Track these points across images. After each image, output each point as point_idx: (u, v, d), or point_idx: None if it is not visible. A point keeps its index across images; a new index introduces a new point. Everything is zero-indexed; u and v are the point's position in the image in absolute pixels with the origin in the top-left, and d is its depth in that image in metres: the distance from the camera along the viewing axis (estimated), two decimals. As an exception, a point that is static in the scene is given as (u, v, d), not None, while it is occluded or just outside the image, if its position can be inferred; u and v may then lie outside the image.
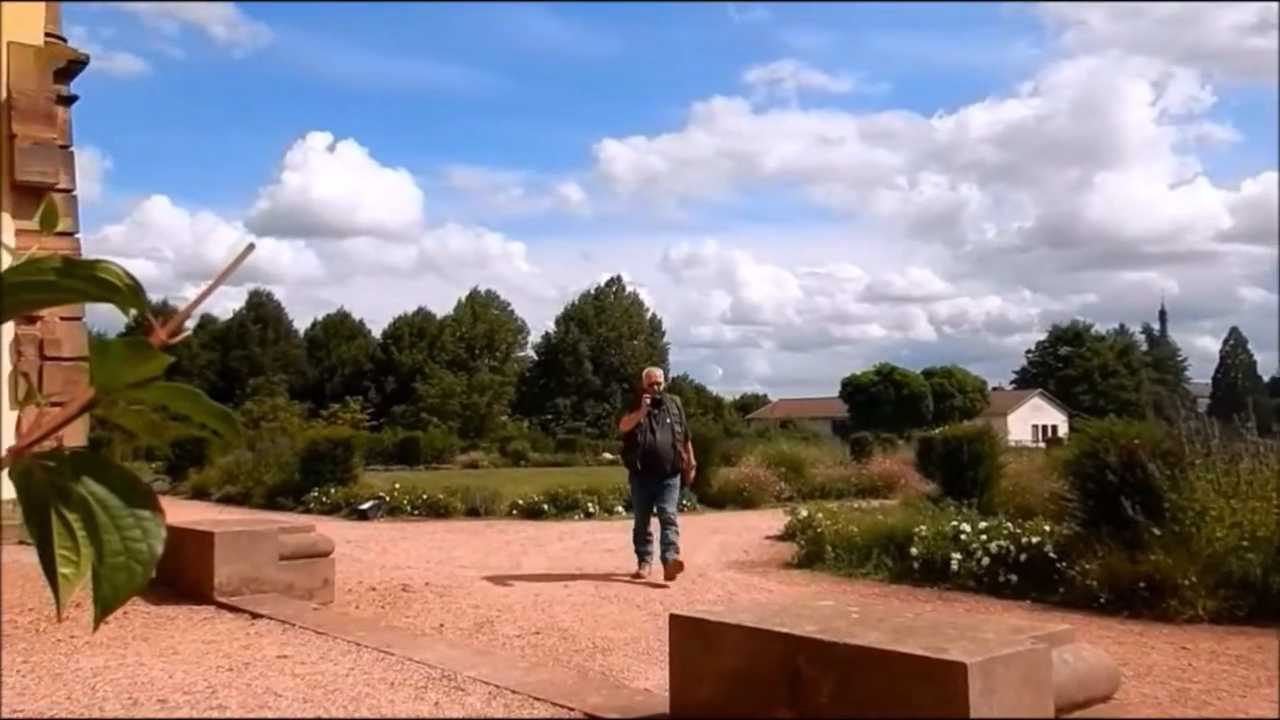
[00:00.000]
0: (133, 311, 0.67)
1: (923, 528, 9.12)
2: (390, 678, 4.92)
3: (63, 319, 10.88)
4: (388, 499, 16.06)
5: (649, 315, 77.60)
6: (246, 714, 4.38)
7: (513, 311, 75.44)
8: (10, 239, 9.77)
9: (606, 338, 72.68)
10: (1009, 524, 8.76)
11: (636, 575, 9.04)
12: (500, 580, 8.99)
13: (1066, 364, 76.29)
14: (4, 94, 10.73)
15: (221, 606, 6.78)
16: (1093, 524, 7.87)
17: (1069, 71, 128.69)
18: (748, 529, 13.23)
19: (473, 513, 15.86)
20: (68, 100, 11.50)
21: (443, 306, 76.44)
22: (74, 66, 11.50)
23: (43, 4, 11.27)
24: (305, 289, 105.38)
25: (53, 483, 0.66)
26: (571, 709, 4.33)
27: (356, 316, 73.41)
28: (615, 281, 77.47)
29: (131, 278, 0.65)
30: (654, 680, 5.14)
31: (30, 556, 7.25)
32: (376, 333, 71.49)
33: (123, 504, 0.66)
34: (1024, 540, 8.21)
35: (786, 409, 76.59)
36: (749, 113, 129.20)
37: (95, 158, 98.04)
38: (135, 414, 0.69)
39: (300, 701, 4.53)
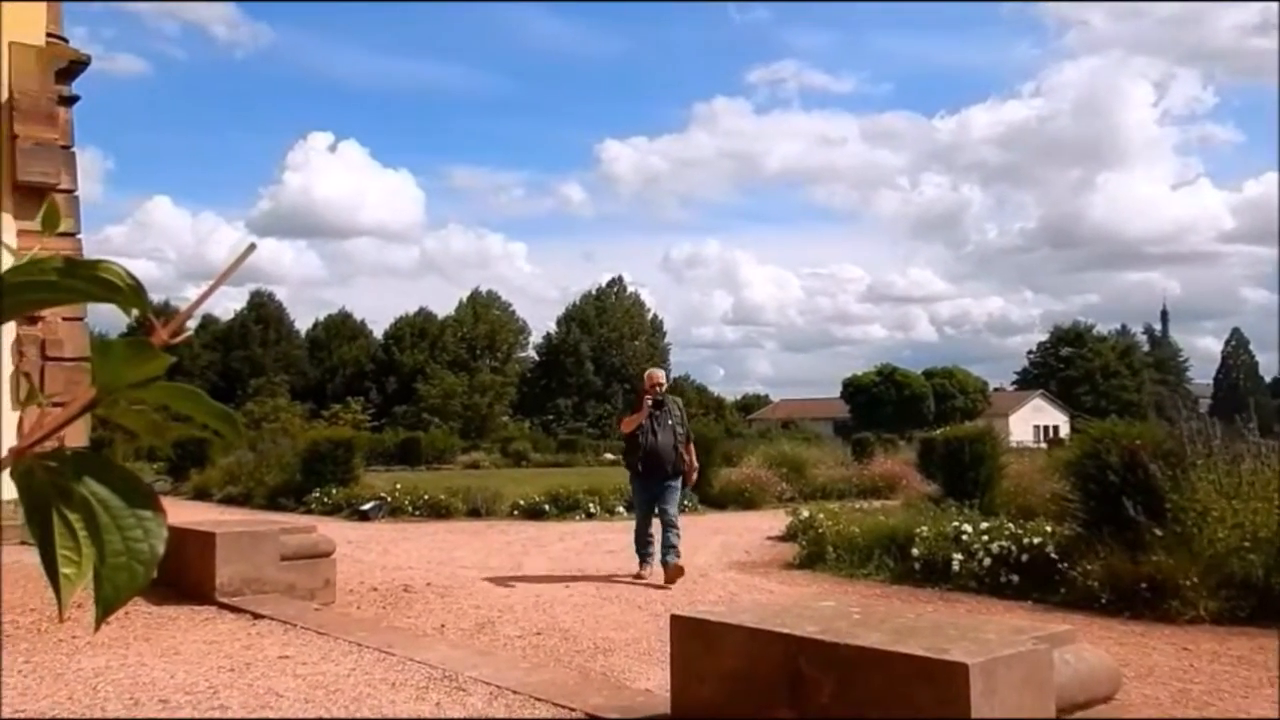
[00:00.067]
0: (134, 312, 0.67)
1: (924, 528, 9.12)
2: (392, 678, 4.92)
3: (64, 319, 10.88)
4: (389, 499, 16.07)
5: (650, 316, 77.69)
6: (248, 714, 4.38)
7: (514, 312, 75.56)
8: (12, 239, 9.78)
9: (608, 338, 72.70)
10: (1010, 525, 8.76)
11: (638, 576, 9.04)
12: (501, 581, 8.99)
13: (1068, 365, 76.27)
14: (6, 94, 10.73)
15: (223, 607, 6.79)
16: (1094, 525, 7.87)
17: (1071, 72, 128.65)
18: (749, 529, 13.23)
19: (474, 513, 15.87)
20: (69, 100, 11.51)
21: (444, 307, 76.48)
22: (75, 67, 11.50)
23: (44, 4, 11.28)
24: (307, 289, 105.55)
25: (54, 483, 0.66)
26: (573, 709, 4.33)
27: (358, 317, 73.58)
28: (617, 282, 77.59)
29: (133, 278, 0.65)
30: (655, 681, 5.14)
31: (32, 557, 7.25)
32: (378, 333, 71.63)
33: (124, 504, 0.66)
34: (1025, 541, 8.21)
35: (788, 409, 76.60)
36: (751, 113, 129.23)
37: (97, 158, 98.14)
38: (137, 414, 0.69)
39: (302, 702, 4.54)
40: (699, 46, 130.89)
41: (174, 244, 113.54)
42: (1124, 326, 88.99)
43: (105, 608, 0.66)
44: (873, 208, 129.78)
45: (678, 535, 8.81)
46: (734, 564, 10.30)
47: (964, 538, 8.63)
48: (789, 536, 11.56)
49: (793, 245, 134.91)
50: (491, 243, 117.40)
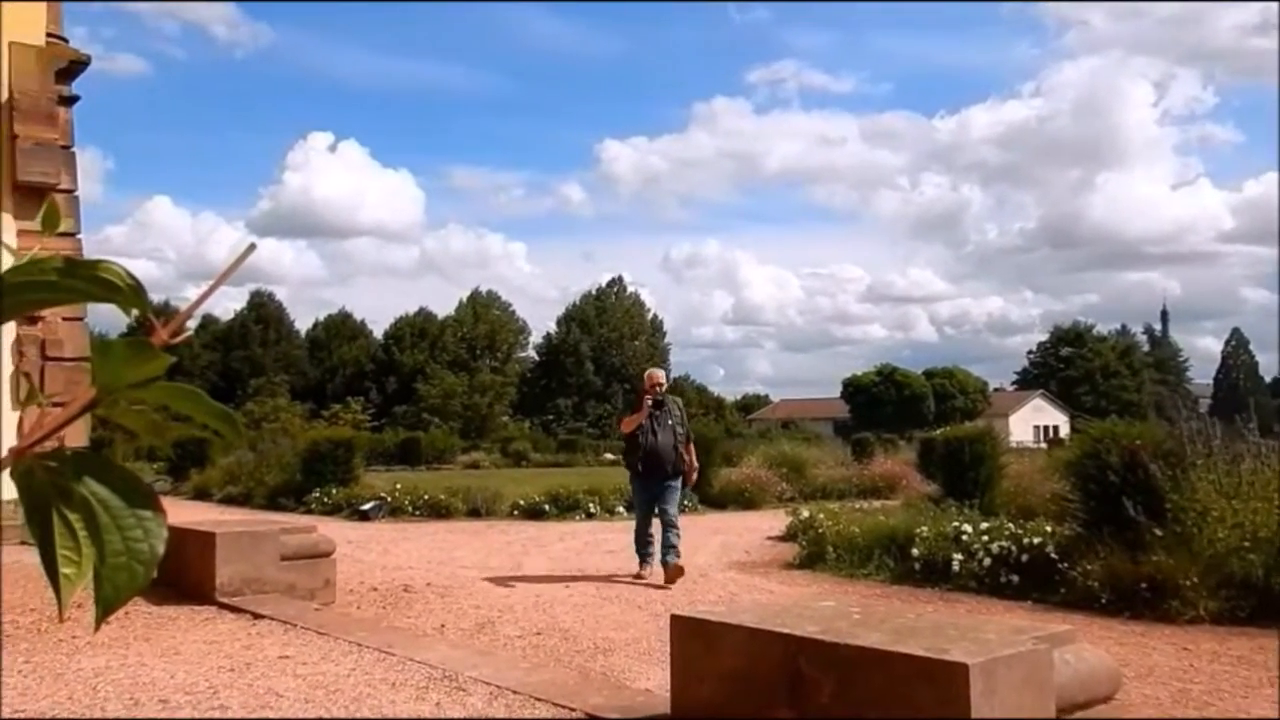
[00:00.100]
0: (134, 312, 0.67)
1: (924, 528, 9.12)
2: (392, 678, 4.92)
3: (64, 319, 10.88)
4: (389, 499, 16.07)
5: (650, 316, 77.67)
6: (248, 714, 4.38)
7: (514, 312, 75.56)
8: (12, 240, 9.78)
9: (608, 338, 72.70)
10: (1010, 525, 8.76)
11: (638, 576, 9.04)
12: (501, 581, 8.99)
13: (1068, 365, 76.26)
14: (6, 94, 10.74)
15: (223, 607, 6.79)
16: (1094, 525, 7.87)
17: (1070, 72, 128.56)
18: (749, 529, 13.23)
19: (474, 513, 15.87)
20: (69, 101, 11.51)
21: (444, 307, 76.49)
22: (75, 67, 11.50)
23: (44, 4, 11.28)
24: (307, 289, 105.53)
25: (54, 483, 0.66)
26: (573, 709, 4.33)
27: (358, 317, 73.58)
28: (616, 282, 77.58)
29: (133, 278, 0.65)
30: (655, 681, 5.15)
31: (32, 557, 7.25)
32: (378, 333, 71.63)
33: (124, 504, 0.66)
34: (1025, 541, 8.21)
35: (788, 409, 76.60)
36: (750, 113, 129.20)
37: (97, 158, 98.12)
38: (137, 414, 0.69)
39: (302, 702, 4.54)
40: (699, 46, 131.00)
41: (174, 244, 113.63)
42: (1124, 326, 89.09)
43: (105, 608, 0.66)
44: (872, 208, 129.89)
45: (677, 535, 8.81)
46: (734, 564, 10.31)
47: (964, 538, 8.63)
48: (789, 536, 11.56)
49: (792, 245, 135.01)
50: (491, 243, 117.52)
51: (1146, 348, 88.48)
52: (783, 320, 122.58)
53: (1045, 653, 3.43)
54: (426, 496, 16.11)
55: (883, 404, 64.32)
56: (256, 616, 6.48)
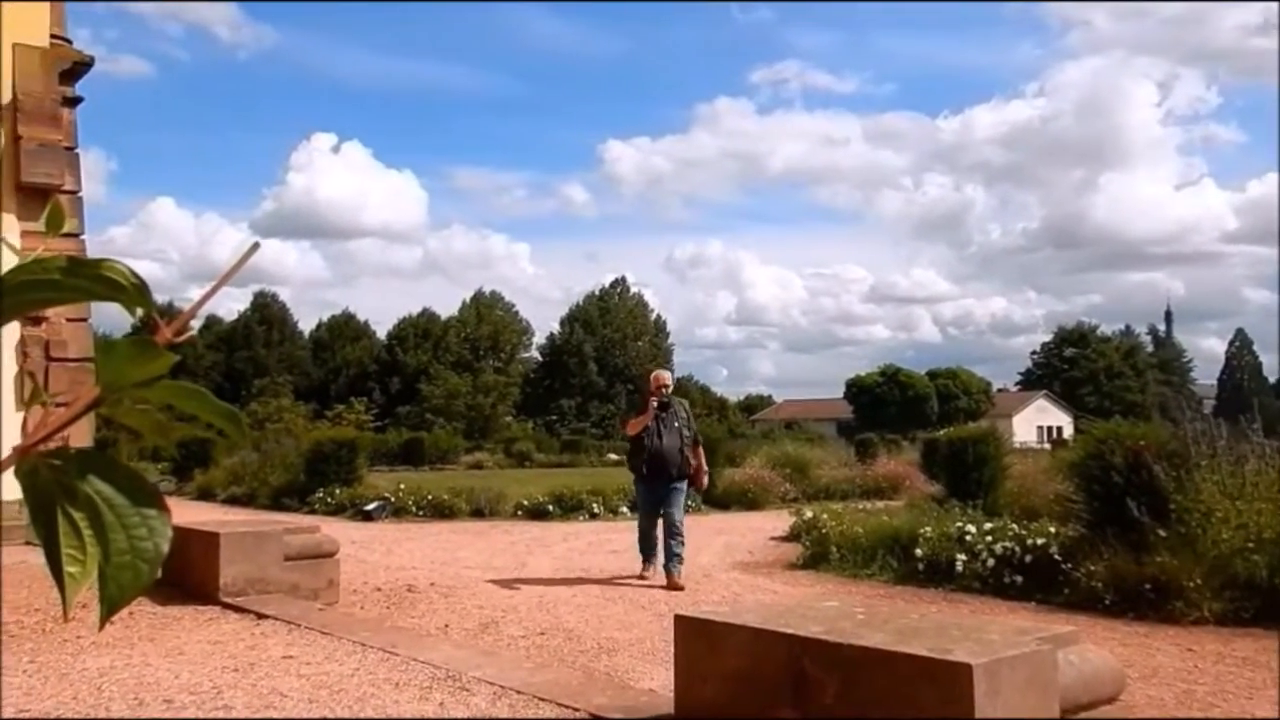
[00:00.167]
0: (139, 311, 0.67)
1: (928, 529, 9.11)
2: (395, 678, 4.93)
3: (68, 320, 10.90)
4: (393, 500, 16.08)
5: (653, 316, 77.62)
6: (252, 714, 4.39)
7: (517, 312, 75.58)
8: (16, 240, 9.79)
9: (611, 339, 72.69)
10: (1014, 525, 8.76)
11: (641, 576, 9.01)
12: (505, 581, 8.99)
13: (1072, 365, 76.18)
14: (10, 95, 10.76)
15: (227, 607, 6.79)
16: (1098, 525, 7.86)
17: (1074, 72, 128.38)
18: (752, 530, 13.22)
19: (477, 513, 15.88)
20: (73, 102, 11.53)
21: (447, 307, 76.39)
22: (79, 68, 11.52)
23: (48, 6, 11.30)
24: (310, 290, 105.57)
25: (59, 481, 0.66)
26: (576, 709, 4.33)
27: (361, 318, 73.62)
28: (620, 282, 77.56)
29: (137, 276, 0.65)
30: (659, 681, 5.15)
31: (37, 557, 7.27)
32: (381, 334, 71.71)
33: (129, 503, 0.66)
34: (1029, 542, 8.20)
35: (791, 410, 76.56)
36: (753, 113, 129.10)
37: (100, 159, 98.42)
38: (141, 413, 0.69)
39: (305, 702, 4.54)
40: (702, 47, 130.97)
41: (177, 245, 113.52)
42: (1128, 327, 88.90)
43: (110, 606, 0.66)
44: (876, 208, 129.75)
45: (681, 544, 8.69)
46: (737, 564, 10.30)
47: (968, 538, 8.62)
48: (792, 537, 11.55)
49: (796, 246, 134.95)
50: (495, 243, 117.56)
51: (1150, 348, 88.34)
52: (786, 321, 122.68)
53: (1049, 653, 3.43)
54: (430, 497, 16.12)
55: (886, 405, 64.27)
56: (260, 616, 6.48)
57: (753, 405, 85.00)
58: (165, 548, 0.67)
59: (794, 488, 17.87)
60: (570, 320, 74.48)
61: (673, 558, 8.63)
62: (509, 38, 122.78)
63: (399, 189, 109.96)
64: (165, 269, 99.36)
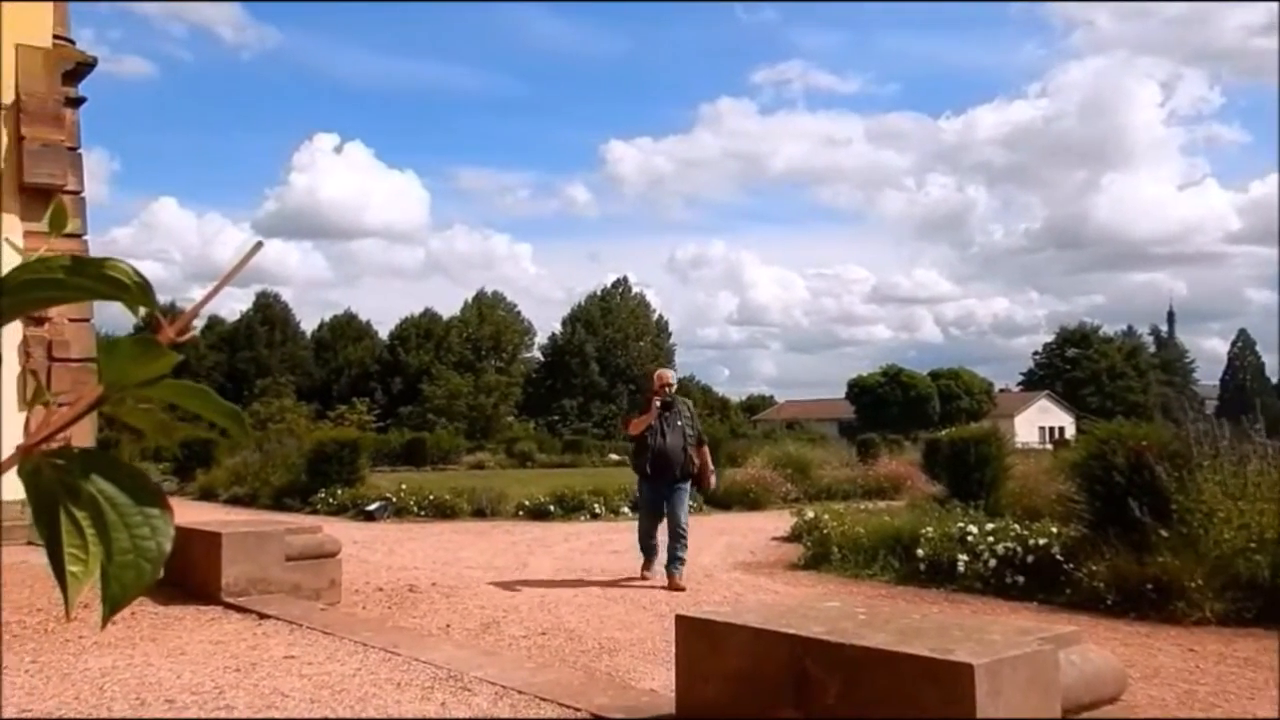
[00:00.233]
0: (141, 310, 0.67)
1: (929, 529, 9.11)
2: (397, 678, 4.93)
3: (71, 320, 10.92)
4: (394, 500, 16.09)
5: (655, 316, 77.60)
6: (254, 714, 4.39)
7: (519, 312, 75.60)
8: (19, 240, 9.80)
9: (613, 339, 72.69)
10: (1016, 526, 8.75)
11: (642, 576, 9.01)
12: (506, 581, 8.99)
13: (1074, 366, 76.13)
14: (13, 96, 10.77)
15: (229, 607, 6.80)
16: (1100, 526, 7.86)
17: (1077, 72, 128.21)
18: (754, 530, 13.22)
19: (479, 514, 15.89)
20: (76, 102, 11.54)
21: (449, 308, 76.43)
22: (82, 68, 11.54)
23: (51, 6, 11.31)
24: (312, 290, 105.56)
25: (62, 480, 0.66)
26: (578, 709, 4.33)
27: (363, 318, 73.65)
28: (622, 282, 77.55)
29: (140, 275, 0.66)
30: (660, 681, 5.15)
31: (39, 557, 7.27)
32: (383, 334, 71.74)
33: (131, 502, 0.67)
34: (1031, 542, 8.20)
35: (793, 410, 76.57)
36: (756, 113, 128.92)
37: (103, 159, 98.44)
38: (144, 413, 0.70)
39: (307, 702, 4.54)
40: (704, 47, 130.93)
41: (180, 245, 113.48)
42: (1130, 327, 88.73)
43: (112, 605, 0.66)
44: (878, 208, 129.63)
45: (684, 546, 8.66)
46: (739, 564, 10.30)
47: (969, 539, 8.62)
48: (794, 537, 11.55)
49: (798, 246, 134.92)
50: (497, 243, 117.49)
51: (1152, 349, 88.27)
52: (788, 321, 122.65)
53: (1050, 654, 3.43)
54: (432, 497, 16.13)
55: (888, 405, 64.23)
56: (262, 616, 6.49)
57: (754, 405, 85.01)
58: (168, 547, 0.67)
59: (795, 488, 17.86)
60: (572, 320, 74.48)
61: (675, 559, 8.61)
62: (511, 38, 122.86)
63: (401, 189, 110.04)
64: (168, 269, 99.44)
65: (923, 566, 8.79)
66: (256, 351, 66.05)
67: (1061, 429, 60.70)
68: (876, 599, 8.00)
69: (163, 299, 0.73)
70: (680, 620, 4.25)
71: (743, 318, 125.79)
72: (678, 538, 8.64)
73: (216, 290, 0.72)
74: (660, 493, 8.82)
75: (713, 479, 9.33)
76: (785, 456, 19.44)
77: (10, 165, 10.71)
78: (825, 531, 10.25)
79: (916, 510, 11.17)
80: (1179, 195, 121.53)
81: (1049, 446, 34.23)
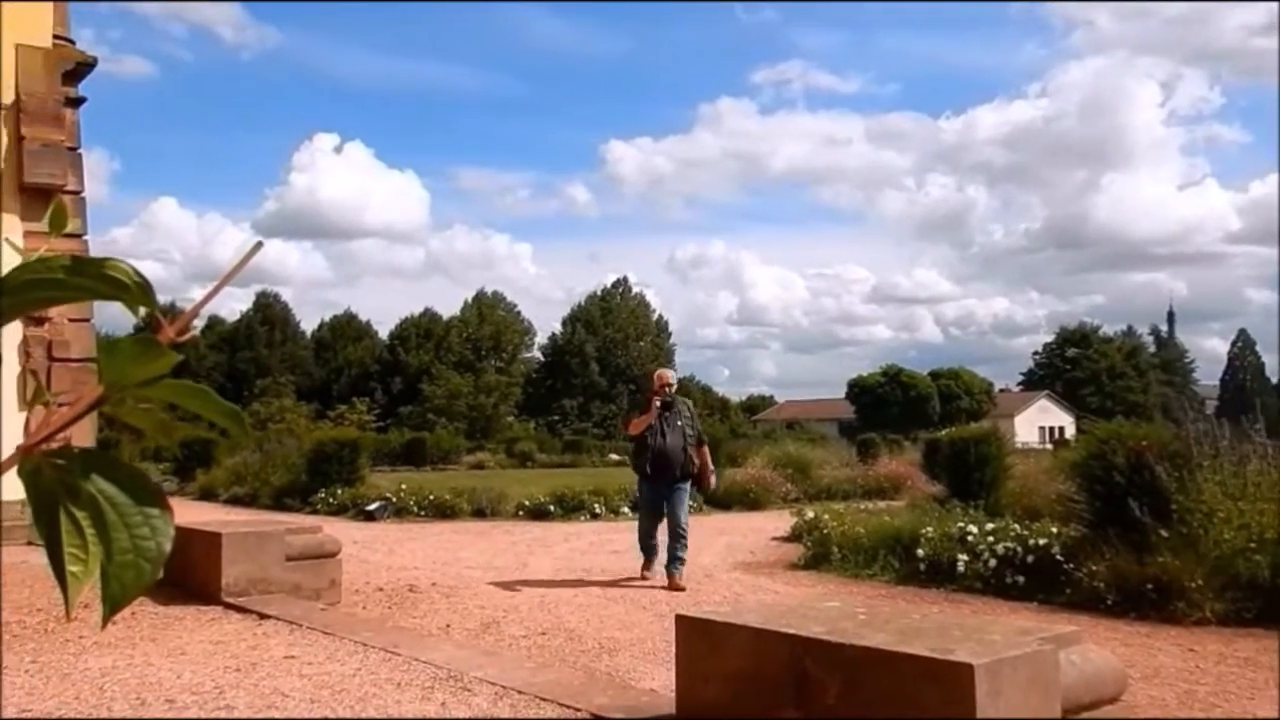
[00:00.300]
0: (142, 310, 0.67)
1: (929, 529, 9.11)
2: (397, 678, 4.93)
3: (71, 320, 10.92)
4: (394, 500, 16.09)
5: (655, 316, 77.61)
6: (254, 714, 4.39)
7: (519, 312, 75.62)
8: (19, 240, 9.80)
9: (613, 339, 72.70)
10: (1016, 526, 8.75)
11: (642, 576, 9.01)
12: (506, 581, 8.99)
13: (1074, 366, 76.12)
14: (13, 96, 10.77)
15: (229, 607, 6.80)
16: (1100, 526, 7.86)
17: (1077, 72, 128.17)
18: (754, 530, 13.22)
19: (479, 514, 15.89)
20: (76, 102, 11.54)
21: (449, 308, 76.44)
22: (82, 68, 11.53)
23: (51, 6, 11.31)
24: (312, 290, 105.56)
25: (62, 480, 0.66)
26: (578, 709, 4.33)
27: (363, 318, 73.67)
28: (622, 282, 77.56)
29: (140, 275, 0.66)
30: (660, 681, 5.14)
31: (39, 557, 7.27)
32: (383, 334, 71.76)
33: (131, 502, 0.67)
34: (1031, 542, 8.20)
35: (793, 410, 76.58)
36: (756, 114, 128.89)
37: (103, 159, 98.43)
38: (144, 413, 0.70)
39: (307, 702, 4.54)
40: (704, 47, 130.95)
41: (180, 245, 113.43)
42: (1130, 327, 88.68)
43: (112, 605, 0.66)
44: (878, 208, 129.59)
45: (684, 546, 8.65)
46: (739, 564, 10.30)
47: (969, 539, 8.62)
48: (794, 537, 11.55)
49: (798, 246, 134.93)
50: (497, 243, 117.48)
51: (1152, 349, 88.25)
52: (788, 321, 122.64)
53: (1051, 654, 3.42)
54: (432, 497, 16.13)
55: (888, 405, 64.22)
56: (262, 616, 6.49)
57: (754, 405, 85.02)
58: (167, 547, 0.67)
59: (795, 488, 17.86)
60: (572, 320, 74.50)
61: (675, 559, 8.61)
62: (511, 38, 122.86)
63: (401, 189, 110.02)
64: (168, 269, 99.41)
65: (923, 566, 8.79)
66: (256, 351, 66.05)
67: (1061, 429, 60.70)
68: (876, 599, 8.00)
69: (163, 299, 0.73)
70: (680, 620, 4.25)
71: (743, 318, 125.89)
72: (678, 538, 8.64)
73: (216, 290, 0.72)
74: (660, 493, 8.82)
75: (713, 479, 9.33)
76: (785, 456, 19.44)
77: (10, 165, 10.71)
78: (825, 531, 10.25)
79: (916, 510, 11.17)
80: (1179, 195, 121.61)
81: (1049, 446, 34.25)
